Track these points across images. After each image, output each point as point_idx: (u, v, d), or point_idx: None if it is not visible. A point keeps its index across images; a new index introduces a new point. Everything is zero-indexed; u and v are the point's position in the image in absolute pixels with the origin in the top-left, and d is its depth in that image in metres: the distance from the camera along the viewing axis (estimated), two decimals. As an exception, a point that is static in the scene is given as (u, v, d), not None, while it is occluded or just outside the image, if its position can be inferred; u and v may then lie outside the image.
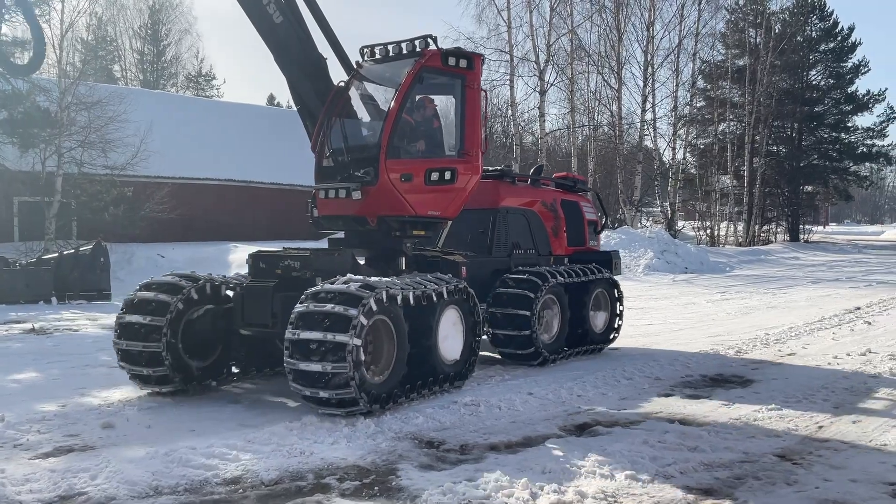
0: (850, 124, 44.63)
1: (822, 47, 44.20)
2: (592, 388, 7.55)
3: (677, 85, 35.38)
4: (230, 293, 7.41)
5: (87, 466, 4.99)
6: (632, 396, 7.28)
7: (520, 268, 8.98)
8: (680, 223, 39.89)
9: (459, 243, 8.89)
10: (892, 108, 44.86)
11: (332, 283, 6.33)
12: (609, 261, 10.35)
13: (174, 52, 52.88)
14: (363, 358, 6.10)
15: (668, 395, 7.32)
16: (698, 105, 41.00)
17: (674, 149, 36.42)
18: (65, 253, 15.97)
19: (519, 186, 9.84)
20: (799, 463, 5.25)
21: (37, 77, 19.62)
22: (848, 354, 9.34)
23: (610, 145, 35.95)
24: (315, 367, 5.87)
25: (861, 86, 63.69)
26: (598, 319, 9.81)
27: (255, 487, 4.76)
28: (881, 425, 6.19)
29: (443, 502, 4.50)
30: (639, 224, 34.83)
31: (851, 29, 43.87)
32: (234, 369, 7.69)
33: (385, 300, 6.38)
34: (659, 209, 40.26)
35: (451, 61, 7.93)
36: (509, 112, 33.60)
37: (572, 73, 32.86)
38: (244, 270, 8.01)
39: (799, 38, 41.85)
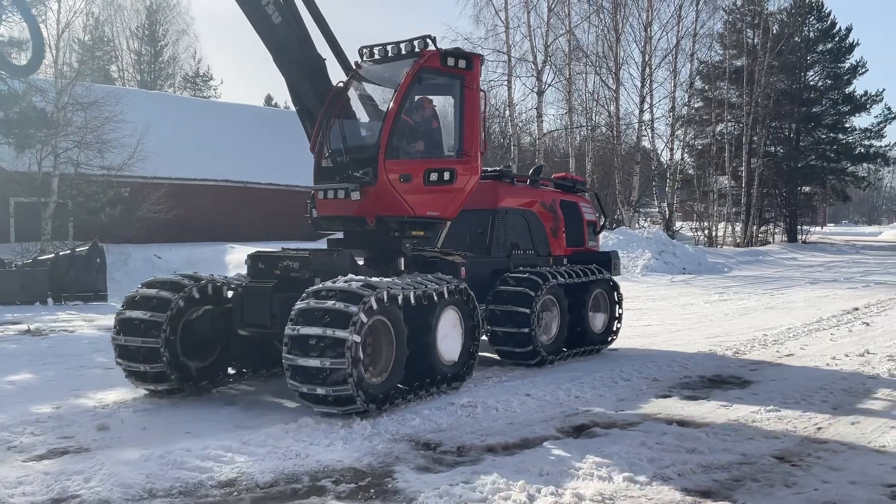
0: (847, 125, 44.68)
1: (820, 48, 44.24)
2: (590, 390, 7.52)
3: (675, 85, 35.47)
4: (231, 294, 7.40)
5: (80, 469, 4.96)
6: (630, 398, 7.25)
7: (521, 268, 8.96)
8: (678, 224, 39.88)
9: (458, 244, 8.88)
10: (889, 108, 44.90)
11: (333, 282, 6.35)
12: (608, 261, 10.34)
13: (171, 53, 52.87)
14: (362, 356, 6.08)
15: (666, 397, 7.30)
16: (696, 106, 41.05)
17: (672, 149, 36.49)
18: (61, 254, 15.90)
19: (518, 187, 9.83)
20: (798, 465, 5.23)
21: (33, 77, 19.53)
22: (846, 355, 9.32)
23: (608, 146, 35.94)
24: (314, 362, 5.86)
25: (859, 86, 63.84)
26: (597, 320, 9.79)
27: (250, 490, 4.73)
28: (880, 426, 6.16)
29: (439, 505, 4.47)
30: (637, 225, 34.83)
31: (849, 30, 44.00)
32: (230, 370, 7.65)
33: (386, 300, 6.38)
34: (657, 210, 40.24)
35: (450, 62, 7.94)
36: (507, 112, 33.61)
37: (570, 74, 32.87)
38: (242, 271, 7.98)
39: (797, 38, 41.87)
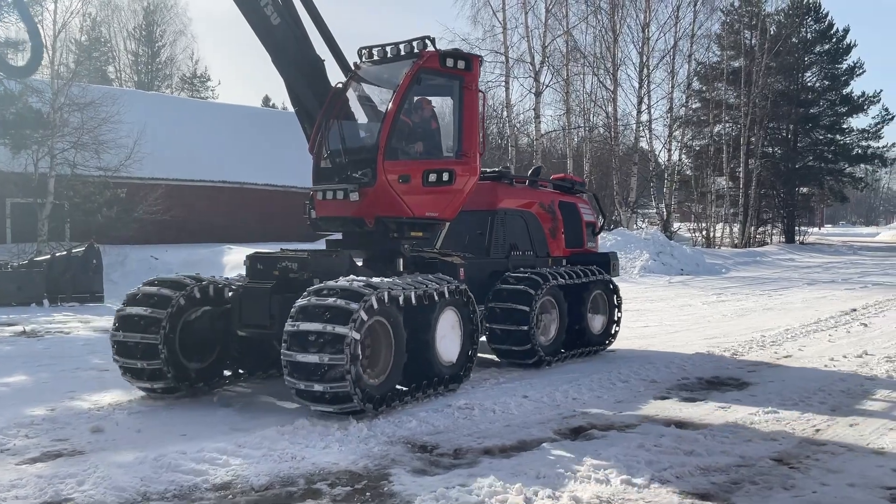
0: (845, 126, 44.66)
1: (818, 49, 44.25)
2: (588, 391, 7.49)
3: (673, 86, 35.44)
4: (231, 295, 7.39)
5: (74, 472, 4.92)
6: (627, 399, 7.22)
7: (521, 268, 8.95)
8: (676, 225, 39.90)
9: (457, 245, 8.88)
10: (886, 109, 44.66)
11: (335, 282, 6.37)
12: (607, 262, 10.33)
13: (169, 54, 52.81)
14: (360, 354, 6.06)
15: (664, 398, 7.27)
16: (694, 106, 41.06)
17: (669, 150, 36.48)
18: (57, 255, 15.85)
19: (517, 188, 9.82)
20: (796, 467, 5.20)
21: (29, 78, 19.49)
22: (844, 356, 9.30)
23: (605, 147, 35.93)
24: (312, 358, 5.85)
25: (856, 87, 63.95)
26: (596, 321, 9.77)
27: (244, 493, 4.69)
28: (878, 428, 6.14)
29: (435, 508, 4.44)
30: (635, 226, 34.84)
31: (846, 31, 44.01)
32: (226, 372, 7.62)
33: (387, 300, 6.39)
34: (655, 211, 40.26)
35: (450, 62, 7.94)
36: (505, 113, 33.59)
37: (568, 75, 32.85)
38: (239, 272, 7.95)
39: (794, 39, 41.88)
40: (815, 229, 52.84)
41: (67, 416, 6.38)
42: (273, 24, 7.63)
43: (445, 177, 7.83)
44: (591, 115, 36.97)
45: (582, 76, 35.24)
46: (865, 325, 12.04)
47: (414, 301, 6.73)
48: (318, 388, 5.91)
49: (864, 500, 4.61)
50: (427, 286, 6.95)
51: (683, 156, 40.68)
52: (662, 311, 14.60)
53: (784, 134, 43.85)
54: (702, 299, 16.66)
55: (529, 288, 8.43)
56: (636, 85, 33.76)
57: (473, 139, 8.13)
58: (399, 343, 6.62)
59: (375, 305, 6.21)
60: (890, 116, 44.21)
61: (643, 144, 35.71)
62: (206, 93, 54.58)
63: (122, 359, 6.93)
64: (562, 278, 8.99)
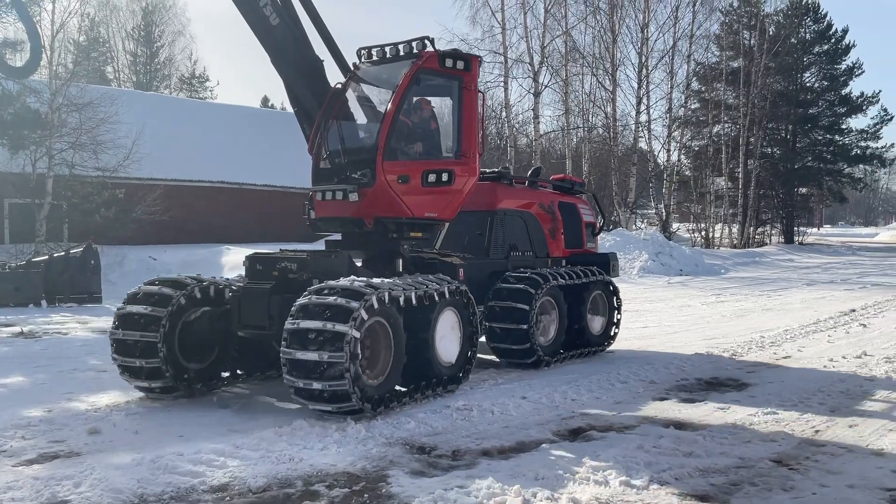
0: (844, 126, 44.68)
1: (816, 49, 44.27)
2: (587, 392, 7.47)
3: (672, 87, 35.43)
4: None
5: (71, 474, 4.90)
6: (626, 400, 7.21)
7: (521, 269, 8.95)
8: (675, 225, 39.89)
9: (456, 245, 8.88)
10: (885, 110, 44.68)
11: (336, 282, 6.39)
12: (607, 263, 10.32)
13: (167, 54, 52.75)
14: (360, 354, 6.06)
15: (662, 399, 7.25)
16: (693, 107, 41.05)
17: (668, 151, 36.47)
18: (55, 255, 15.81)
19: (516, 188, 9.82)
20: (795, 468, 5.18)
21: (27, 78, 19.44)
22: (843, 357, 9.29)
23: (604, 147, 35.92)
24: (312, 355, 5.86)
25: (855, 88, 64.03)
26: (596, 322, 9.75)
27: (242, 495, 4.67)
28: (878, 429, 6.13)
29: (434, 510, 4.42)
30: (633, 226, 34.83)
31: (845, 31, 44.03)
32: (224, 374, 7.60)
33: (387, 301, 6.39)
34: (654, 211, 40.26)
35: (449, 63, 7.95)
36: (503, 114, 33.58)
37: (567, 75, 32.85)
38: (237, 273, 7.94)
39: (793, 40, 41.89)
40: (814, 230, 52.84)
41: (64, 418, 6.36)
42: (272, 25, 7.62)
43: (445, 177, 7.83)
44: (590, 116, 37.02)
45: (581, 76, 35.29)
46: (864, 326, 12.03)
47: (414, 301, 6.73)
48: (316, 386, 5.89)
49: (863, 501, 4.59)
50: (428, 286, 6.95)
51: (682, 156, 40.74)
52: (661, 311, 14.59)
53: (783, 134, 43.86)
54: (701, 300, 16.65)
55: (530, 287, 8.44)
56: (635, 85, 33.79)
57: (473, 140, 8.13)
58: (398, 344, 6.62)
59: (376, 305, 6.22)
60: (889, 117, 44.28)
61: (642, 145, 35.77)
62: (205, 93, 54.56)
63: (121, 357, 6.91)
64: (562, 279, 8.98)
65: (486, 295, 8.51)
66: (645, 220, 42.98)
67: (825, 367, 8.80)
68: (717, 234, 38.98)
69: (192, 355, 7.12)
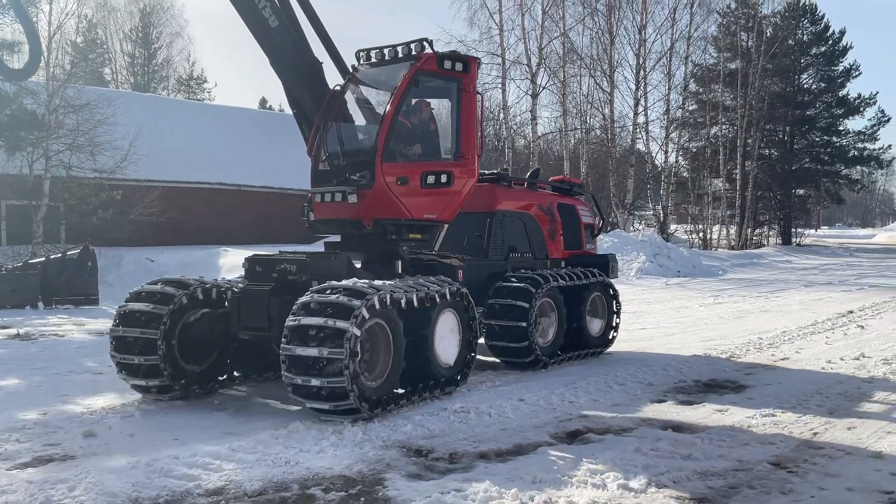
0: (841, 128, 44.69)
1: (814, 51, 44.31)
2: (584, 394, 7.45)
3: (669, 88, 35.37)
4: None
5: (65, 477, 4.87)
6: (624, 402, 7.19)
7: (522, 270, 8.95)
8: (672, 226, 39.88)
9: (455, 247, 8.87)
10: (883, 111, 44.85)
11: (338, 282, 6.40)
12: (606, 264, 10.32)
13: (165, 55, 52.72)
14: (360, 353, 6.04)
15: (660, 401, 7.23)
16: (690, 108, 41.03)
17: (666, 152, 36.47)
18: (52, 257, 15.77)
19: (515, 190, 9.82)
20: (794, 471, 5.16)
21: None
22: (841, 359, 9.27)
23: (602, 149, 35.92)
24: (312, 351, 5.86)
25: (852, 89, 64.09)
26: (595, 324, 9.74)
27: (238, 499, 4.65)
28: (876, 431, 6.11)
29: (430, 513, 4.40)
30: (631, 227, 34.81)
31: (842, 33, 44.03)
32: (220, 378, 7.57)
33: (389, 302, 6.40)
34: (651, 212, 40.22)
35: (447, 65, 7.96)
36: (501, 115, 33.58)
37: (564, 77, 32.83)
38: (235, 274, 7.92)
39: (790, 41, 41.92)
40: (812, 231, 52.79)
41: (60, 420, 6.33)
42: (271, 27, 7.61)
43: (444, 178, 7.83)
44: (588, 117, 37.02)
45: (578, 78, 35.28)
46: (862, 328, 12.02)
47: (416, 304, 6.75)
48: (315, 382, 5.88)
49: (862, 504, 4.58)
50: (429, 288, 6.97)
51: (680, 158, 40.72)
52: (659, 313, 14.57)
53: (780, 136, 43.88)
54: (699, 301, 16.64)
55: (531, 286, 8.45)
56: (633, 87, 33.74)
57: (471, 141, 8.13)
58: (398, 348, 6.62)
59: (377, 306, 6.24)
60: (886, 118, 44.30)
61: (640, 146, 35.74)
62: (203, 95, 54.52)
63: (119, 354, 6.91)
64: (562, 280, 8.98)
65: (485, 296, 8.50)
66: (643, 222, 42.96)
67: (823, 368, 8.79)
68: (715, 236, 38.98)
69: (190, 357, 7.11)
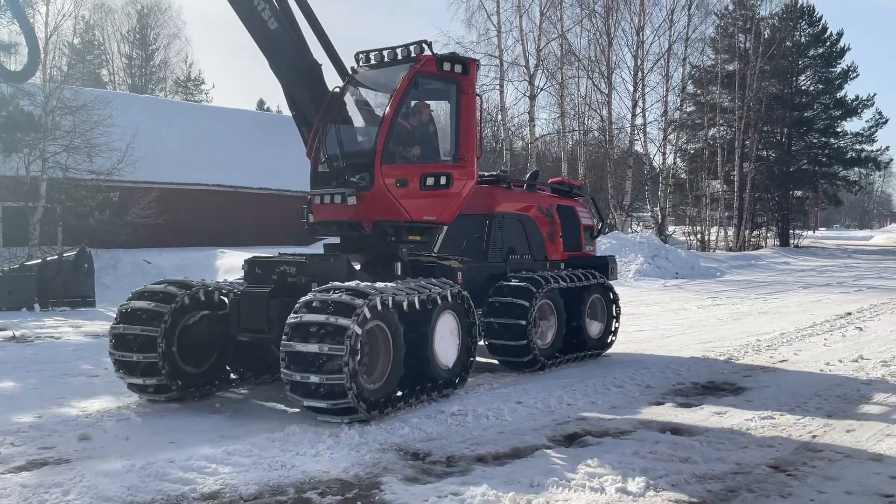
0: (839, 129, 44.76)
1: (811, 52, 44.37)
2: (582, 397, 7.42)
3: (667, 90, 35.38)
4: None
5: (59, 481, 4.84)
6: (622, 405, 7.16)
7: (522, 272, 8.94)
8: (670, 228, 39.87)
9: (455, 249, 8.86)
10: (880, 113, 45.06)
11: (340, 283, 6.41)
12: (605, 266, 10.31)
13: (163, 57, 52.72)
14: (360, 352, 6.03)
15: (659, 404, 7.21)
16: (688, 110, 41.04)
17: (664, 154, 36.53)
18: (48, 259, 15.72)
19: (515, 191, 9.80)
20: (793, 474, 5.13)
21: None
22: (840, 361, 9.25)
23: (600, 150, 35.92)
24: (312, 347, 5.87)
25: (850, 91, 64.11)
26: (594, 327, 9.71)
27: (233, 503, 4.61)
28: (875, 434, 6.08)
29: (427, 518, 4.37)
30: (629, 229, 34.79)
31: (840, 34, 44.09)
32: (216, 382, 7.53)
33: (391, 305, 6.41)
34: (649, 214, 40.22)
35: (446, 66, 7.96)
36: (499, 117, 33.56)
37: (562, 78, 32.85)
38: (232, 276, 7.90)
39: (788, 43, 41.97)
40: (810, 233, 52.88)
41: (55, 423, 6.29)
42: (270, 29, 7.59)
43: (443, 180, 7.82)
44: (586, 119, 36.99)
45: (576, 79, 35.25)
46: (861, 329, 12.01)
47: (417, 306, 6.75)
48: (314, 379, 5.87)
49: (861, 507, 4.55)
50: (430, 290, 6.97)
51: (678, 159, 40.76)
52: (657, 314, 14.55)
53: (778, 137, 43.90)
54: (697, 303, 16.62)
55: (531, 285, 8.46)
56: (631, 88, 33.74)
57: (471, 143, 8.12)
58: (398, 352, 6.60)
59: (379, 307, 6.25)
60: (884, 120, 44.39)
61: (638, 148, 35.75)
62: (200, 96, 54.51)
63: (118, 352, 6.89)
64: (562, 281, 8.97)
65: (484, 298, 8.49)
66: (641, 224, 42.96)
67: (822, 370, 8.77)
68: (713, 237, 38.98)
69: (189, 358, 7.10)
